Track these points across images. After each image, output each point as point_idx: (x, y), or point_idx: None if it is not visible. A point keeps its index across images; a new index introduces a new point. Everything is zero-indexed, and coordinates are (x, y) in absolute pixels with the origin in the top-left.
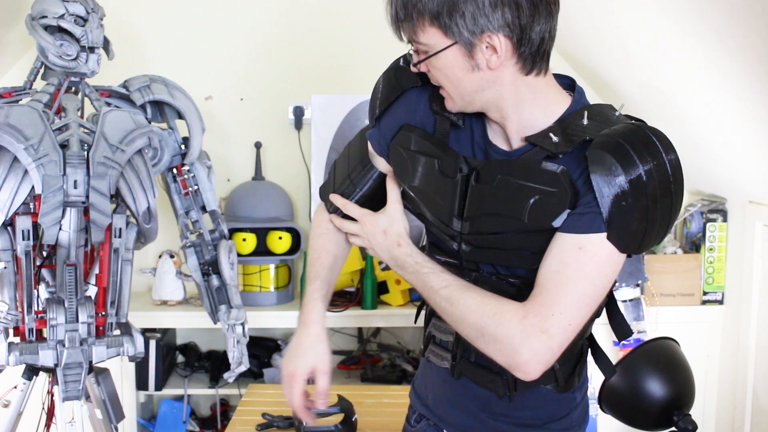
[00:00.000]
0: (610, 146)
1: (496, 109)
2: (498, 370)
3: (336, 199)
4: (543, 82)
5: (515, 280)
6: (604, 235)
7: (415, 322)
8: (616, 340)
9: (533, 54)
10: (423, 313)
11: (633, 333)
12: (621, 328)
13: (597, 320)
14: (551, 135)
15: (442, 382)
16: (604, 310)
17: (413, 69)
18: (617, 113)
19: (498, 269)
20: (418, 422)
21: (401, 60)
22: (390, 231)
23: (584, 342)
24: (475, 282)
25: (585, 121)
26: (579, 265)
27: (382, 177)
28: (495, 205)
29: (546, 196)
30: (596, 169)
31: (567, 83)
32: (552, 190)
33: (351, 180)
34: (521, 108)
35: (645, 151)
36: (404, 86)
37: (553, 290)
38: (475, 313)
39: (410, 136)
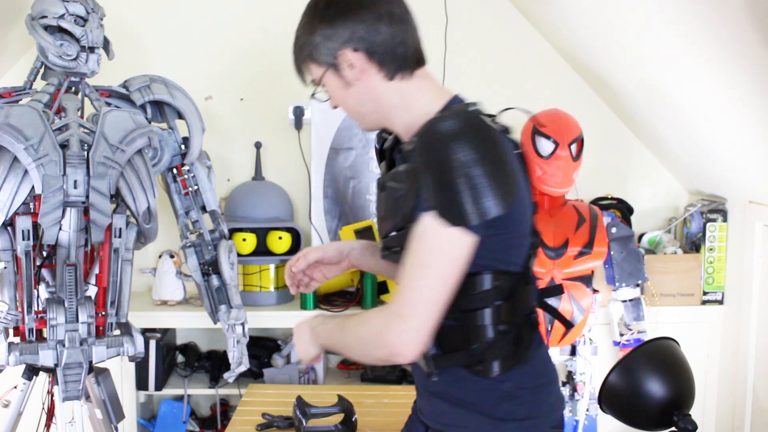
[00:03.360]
0: (411, 141)
1: (385, 120)
2: (437, 353)
3: None
4: (413, 86)
5: None
6: (430, 215)
7: None
8: (616, 341)
9: (389, 60)
10: None
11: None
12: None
13: (598, 321)
14: (414, 136)
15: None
16: None
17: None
18: (470, 108)
19: None
20: None
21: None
22: (299, 325)
23: (511, 332)
24: None
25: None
26: (412, 248)
27: None
28: (383, 210)
29: (405, 193)
30: (409, 161)
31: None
32: (406, 186)
33: None
34: (397, 113)
35: (425, 134)
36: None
37: (401, 278)
38: (354, 329)
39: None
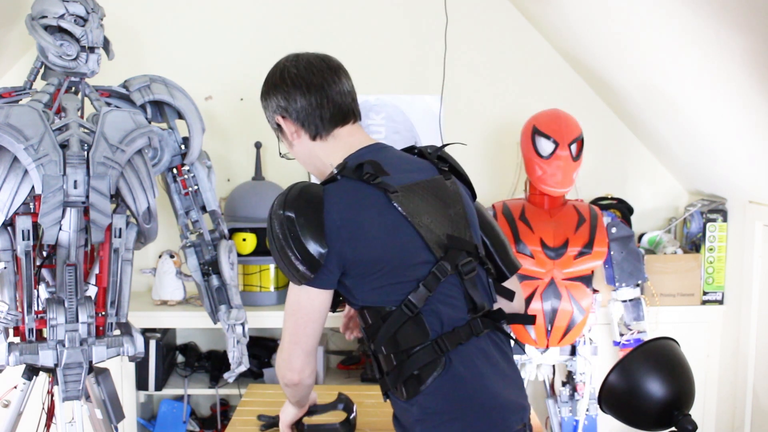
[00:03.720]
0: None
1: (321, 174)
2: (378, 376)
3: None
4: (329, 145)
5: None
6: None
7: None
8: (616, 341)
9: (308, 123)
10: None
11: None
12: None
13: (598, 321)
14: None
15: None
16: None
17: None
18: (342, 168)
19: None
20: None
21: None
22: (282, 413)
23: (398, 363)
24: None
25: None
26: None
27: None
28: None
29: None
30: None
31: None
32: None
33: None
34: (324, 169)
35: (274, 203)
36: None
37: None
38: None
39: None
